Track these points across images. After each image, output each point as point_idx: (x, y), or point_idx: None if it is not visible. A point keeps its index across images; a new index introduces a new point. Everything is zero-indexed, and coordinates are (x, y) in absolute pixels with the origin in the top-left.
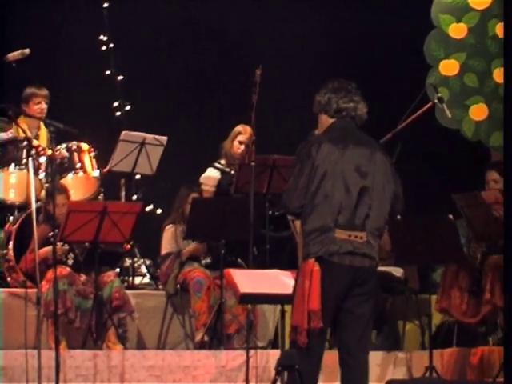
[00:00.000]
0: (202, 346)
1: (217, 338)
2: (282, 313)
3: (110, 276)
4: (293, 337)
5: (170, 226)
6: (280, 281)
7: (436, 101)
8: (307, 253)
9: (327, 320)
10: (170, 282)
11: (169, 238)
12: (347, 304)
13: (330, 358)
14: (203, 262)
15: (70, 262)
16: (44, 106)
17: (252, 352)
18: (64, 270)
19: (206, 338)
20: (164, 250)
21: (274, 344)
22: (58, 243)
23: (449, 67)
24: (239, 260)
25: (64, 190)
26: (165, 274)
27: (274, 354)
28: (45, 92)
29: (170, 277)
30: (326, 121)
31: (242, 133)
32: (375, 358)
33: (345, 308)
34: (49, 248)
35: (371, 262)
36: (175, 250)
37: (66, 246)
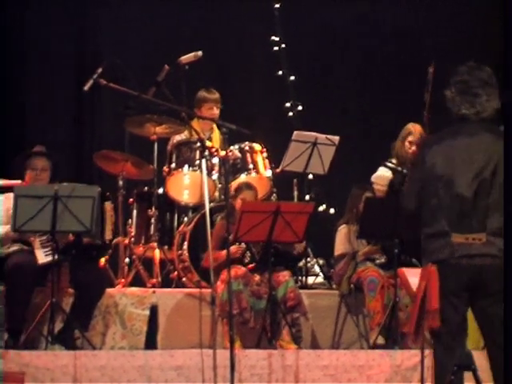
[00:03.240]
0: (376, 345)
1: (391, 338)
2: None
3: (285, 276)
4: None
5: (344, 226)
6: None
7: None
8: (425, 258)
9: (455, 320)
10: (344, 282)
11: (342, 239)
12: (478, 304)
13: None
14: (377, 261)
15: (247, 260)
16: (215, 110)
17: (427, 351)
18: (240, 271)
19: (381, 341)
20: (337, 251)
21: None
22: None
23: None
24: (413, 260)
25: (253, 188)
26: (338, 275)
27: None
28: (215, 96)
29: (344, 278)
30: None
31: (412, 132)
32: None
33: (477, 308)
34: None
35: (493, 261)
36: (349, 251)
37: (243, 245)
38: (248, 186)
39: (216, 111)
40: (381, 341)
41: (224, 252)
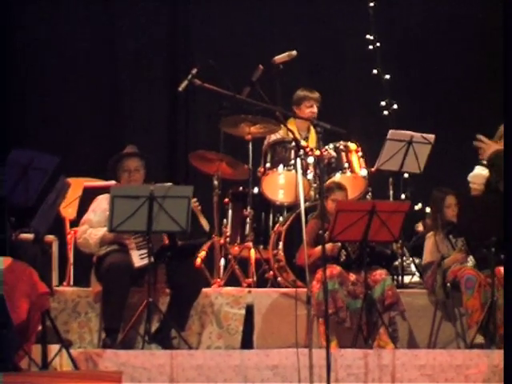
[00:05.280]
0: (473, 345)
1: (489, 337)
2: None
3: (382, 274)
4: None
5: (431, 233)
6: None
7: None
8: None
9: None
10: (438, 291)
11: (429, 247)
12: None
13: None
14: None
15: (342, 258)
16: (315, 109)
17: None
18: (335, 270)
19: (480, 340)
20: (425, 260)
21: None
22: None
23: None
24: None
25: (343, 188)
26: (428, 283)
27: None
28: (316, 95)
29: (437, 287)
30: None
31: None
32: None
33: None
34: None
35: None
36: (435, 259)
37: (339, 243)
38: (339, 186)
39: (315, 110)
40: (480, 340)
41: (318, 249)
